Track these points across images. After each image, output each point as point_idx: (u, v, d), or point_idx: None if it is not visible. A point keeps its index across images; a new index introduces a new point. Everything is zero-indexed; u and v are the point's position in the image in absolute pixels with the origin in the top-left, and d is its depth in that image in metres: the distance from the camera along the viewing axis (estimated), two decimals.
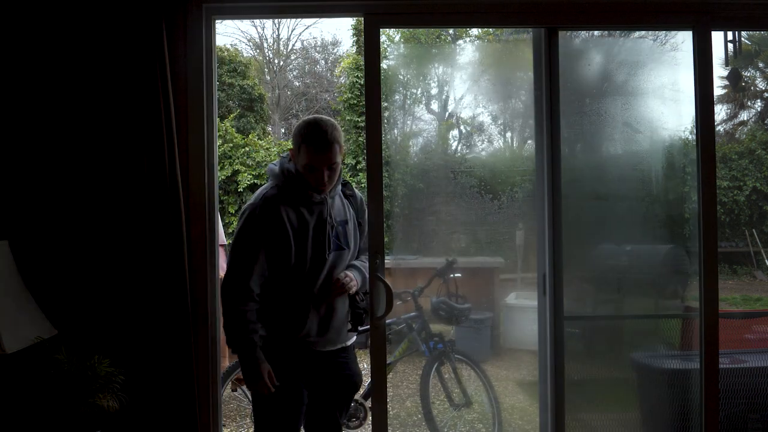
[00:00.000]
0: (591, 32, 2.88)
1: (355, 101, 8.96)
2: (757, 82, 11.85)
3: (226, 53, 11.05)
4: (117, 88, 2.38)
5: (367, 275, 2.39)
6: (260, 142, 9.34)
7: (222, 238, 4.75)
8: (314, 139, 2.19)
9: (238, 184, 8.97)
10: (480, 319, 5.14)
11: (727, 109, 12.04)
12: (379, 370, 2.50)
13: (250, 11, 2.75)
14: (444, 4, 2.55)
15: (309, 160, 2.19)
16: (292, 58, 15.29)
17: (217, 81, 2.59)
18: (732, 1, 2.59)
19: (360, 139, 8.77)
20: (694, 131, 2.63)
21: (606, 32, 2.88)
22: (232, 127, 9.47)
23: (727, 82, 9.69)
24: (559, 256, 2.58)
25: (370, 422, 2.69)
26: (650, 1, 2.58)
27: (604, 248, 2.83)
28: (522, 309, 5.41)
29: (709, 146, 2.57)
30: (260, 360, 2.18)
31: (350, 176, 8.82)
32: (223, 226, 8.69)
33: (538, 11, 2.56)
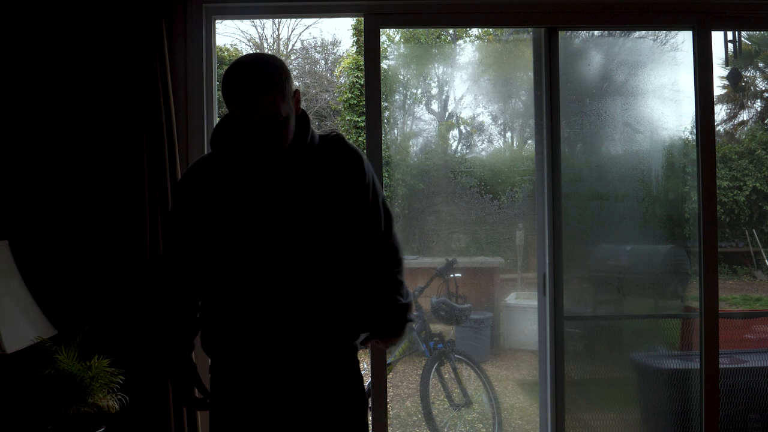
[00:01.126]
0: (591, 32, 2.88)
1: (355, 101, 8.96)
2: (757, 82, 11.85)
3: (226, 53, 11.04)
4: (117, 88, 2.38)
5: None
6: None
7: None
8: (237, 83, 1.45)
9: None
10: (480, 319, 5.14)
11: (727, 109, 12.03)
12: (379, 370, 2.50)
13: (250, 11, 2.75)
14: (444, 4, 2.55)
15: (237, 115, 1.47)
16: (292, 58, 15.28)
17: (217, 81, 2.59)
18: (732, 1, 2.59)
19: (360, 139, 8.77)
20: (694, 131, 2.63)
21: (606, 32, 2.88)
22: None
23: (727, 82, 9.69)
24: (559, 256, 2.58)
25: (370, 422, 2.68)
26: (650, 1, 2.58)
27: (604, 248, 2.83)
28: (522, 309, 5.41)
29: (709, 146, 2.58)
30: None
31: None
32: None
33: (538, 11, 2.56)
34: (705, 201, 2.57)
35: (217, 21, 2.59)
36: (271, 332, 1.58)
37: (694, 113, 2.61)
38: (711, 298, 2.56)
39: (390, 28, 4.31)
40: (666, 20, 2.62)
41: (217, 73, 2.56)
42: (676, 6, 2.59)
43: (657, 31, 2.79)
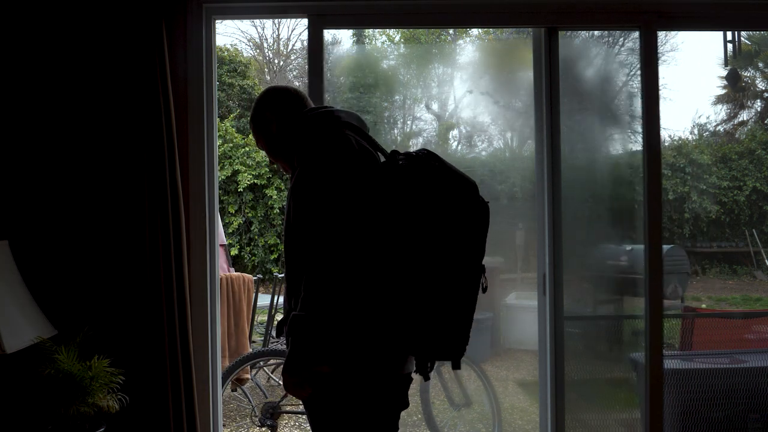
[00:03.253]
0: (591, 32, 2.88)
1: (355, 101, 8.96)
2: (756, 82, 11.84)
3: (226, 53, 11.04)
4: (117, 88, 2.38)
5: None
6: None
7: (222, 238, 4.74)
8: None
9: (238, 184, 8.96)
10: (480, 319, 5.13)
11: (727, 109, 12.03)
12: None
13: (250, 11, 2.75)
14: (444, 4, 2.55)
15: None
16: (292, 58, 15.27)
17: (217, 81, 2.59)
18: (679, 1, 2.56)
19: None
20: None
21: (606, 32, 2.88)
22: (232, 127, 9.47)
23: (726, 82, 9.69)
24: (559, 256, 2.58)
25: None
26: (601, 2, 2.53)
27: (604, 248, 2.83)
28: (522, 309, 5.41)
29: (654, 144, 2.53)
30: None
31: None
32: (223, 226, 8.68)
33: (538, 11, 2.55)
34: (650, 199, 2.52)
35: (217, 21, 2.59)
36: None
37: (641, 111, 2.55)
38: (656, 298, 2.53)
39: (335, 29, 4.26)
40: (613, 20, 2.58)
41: (217, 73, 2.56)
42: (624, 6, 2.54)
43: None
